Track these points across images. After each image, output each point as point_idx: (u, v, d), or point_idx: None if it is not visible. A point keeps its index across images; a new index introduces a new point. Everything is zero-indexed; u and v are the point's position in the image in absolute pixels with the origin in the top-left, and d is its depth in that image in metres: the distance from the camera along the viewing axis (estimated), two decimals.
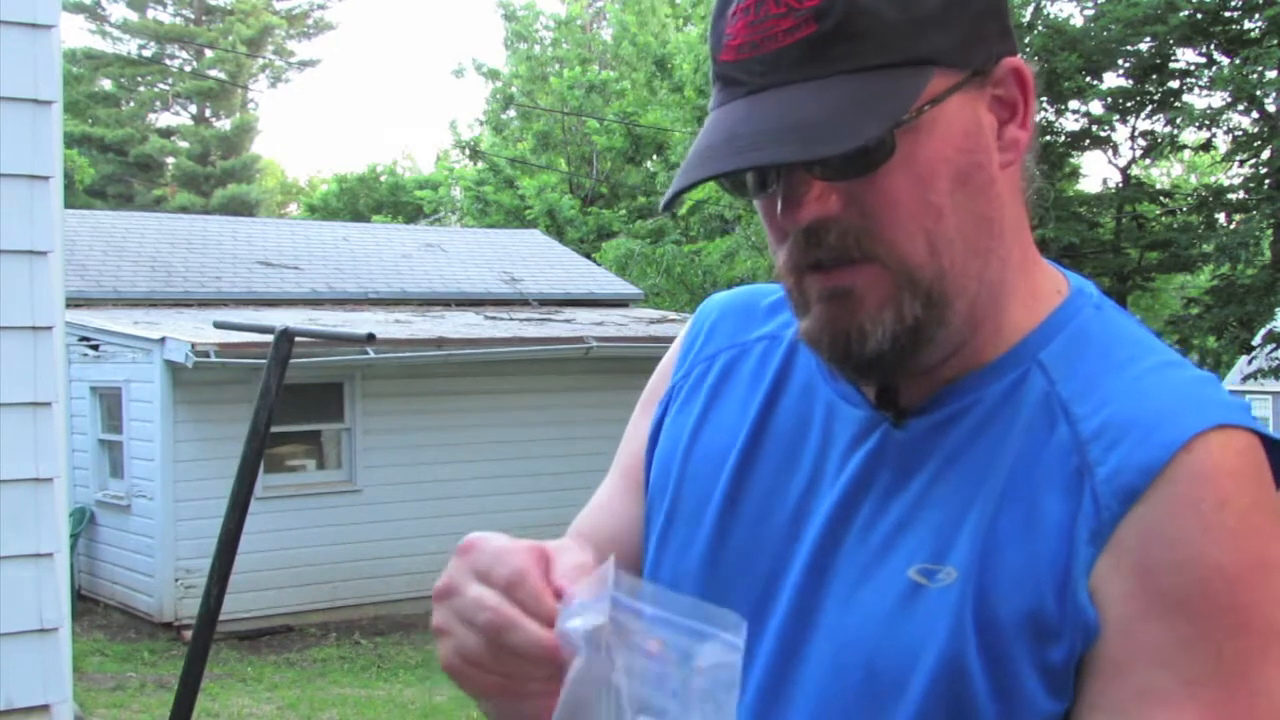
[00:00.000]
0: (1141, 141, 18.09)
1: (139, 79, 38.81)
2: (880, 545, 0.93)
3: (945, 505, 0.91)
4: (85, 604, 10.70)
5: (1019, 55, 0.93)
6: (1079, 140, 17.93)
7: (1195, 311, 16.23)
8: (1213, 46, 15.92)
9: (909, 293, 0.88)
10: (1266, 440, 0.87)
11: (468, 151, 32.23)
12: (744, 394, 1.06)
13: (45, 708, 3.43)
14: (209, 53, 39.01)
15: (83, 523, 10.82)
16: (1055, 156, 17.64)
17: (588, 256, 19.76)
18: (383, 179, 35.02)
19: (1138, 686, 0.82)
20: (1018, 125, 0.92)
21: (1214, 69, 15.93)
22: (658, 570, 1.04)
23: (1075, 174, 19.06)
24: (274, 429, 4.21)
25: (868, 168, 0.86)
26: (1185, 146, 19.83)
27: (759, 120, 0.85)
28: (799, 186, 0.88)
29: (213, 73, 38.61)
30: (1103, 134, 17.83)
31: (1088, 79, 16.63)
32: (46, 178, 3.48)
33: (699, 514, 1.03)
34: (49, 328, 3.47)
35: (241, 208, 35.25)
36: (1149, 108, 17.11)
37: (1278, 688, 0.81)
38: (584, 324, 12.38)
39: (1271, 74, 14.88)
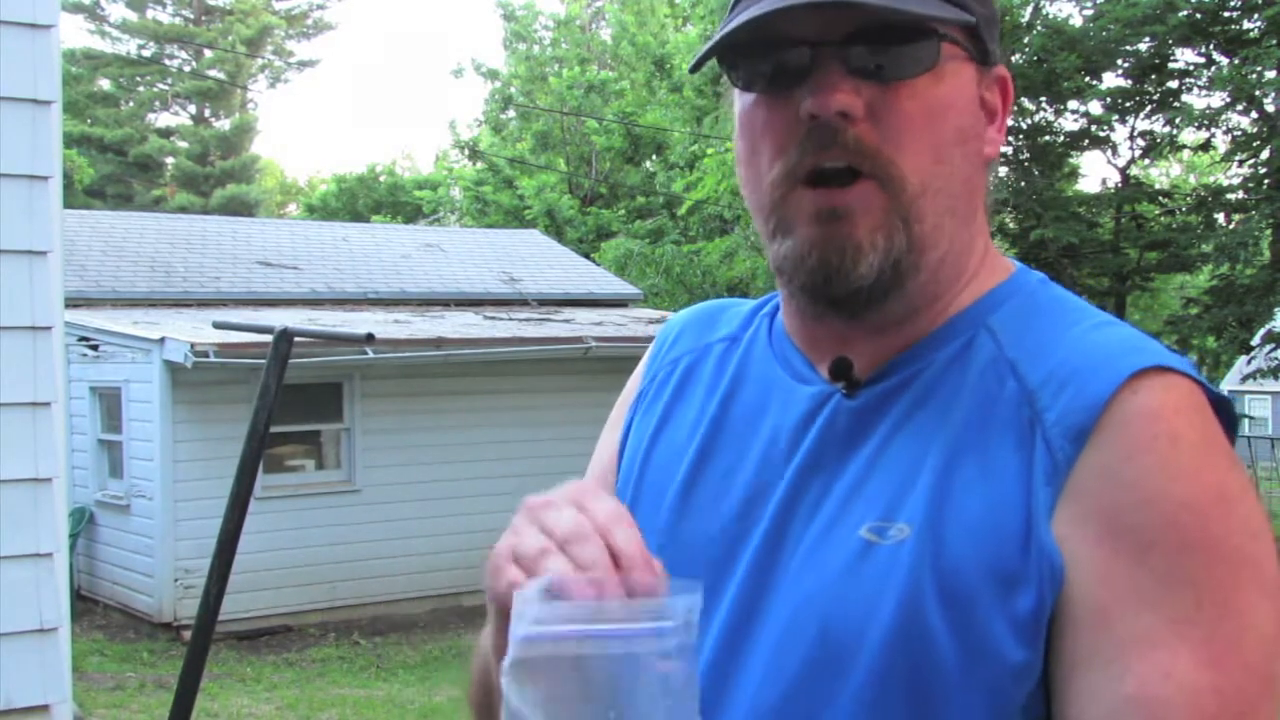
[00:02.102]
0: (1141, 141, 18.07)
1: (138, 79, 38.81)
2: (834, 511, 0.94)
3: (896, 465, 0.93)
4: (85, 604, 10.70)
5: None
6: (1078, 140, 17.92)
7: (1194, 311, 16.23)
8: (1212, 46, 15.91)
9: (901, 222, 0.92)
10: (1205, 388, 0.90)
11: (467, 151, 32.24)
12: (704, 392, 1.09)
13: (45, 708, 3.43)
14: (208, 53, 39.01)
15: (82, 523, 10.82)
16: (1054, 156, 17.64)
17: (587, 256, 19.76)
18: (382, 179, 35.03)
19: (1124, 631, 0.83)
20: (995, 129, 1.00)
21: (1213, 69, 15.92)
22: None
23: (1074, 174, 19.05)
24: (273, 429, 4.21)
25: (913, 68, 0.92)
26: (1184, 146, 19.83)
27: None
28: (834, 76, 0.91)
29: (212, 73, 38.61)
30: (1102, 134, 17.82)
31: (1087, 79, 16.62)
32: (46, 178, 3.48)
33: (656, 504, 1.05)
34: (48, 328, 3.47)
35: (241, 208, 35.25)
36: (1148, 108, 17.10)
37: (1261, 614, 0.83)
38: (583, 324, 12.39)
39: (1271, 74, 14.88)
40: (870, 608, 0.88)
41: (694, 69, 0.98)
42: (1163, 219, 17.83)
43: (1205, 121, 15.84)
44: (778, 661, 0.92)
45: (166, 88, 39.27)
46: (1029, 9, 16.91)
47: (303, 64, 41.69)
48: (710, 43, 0.93)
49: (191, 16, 39.12)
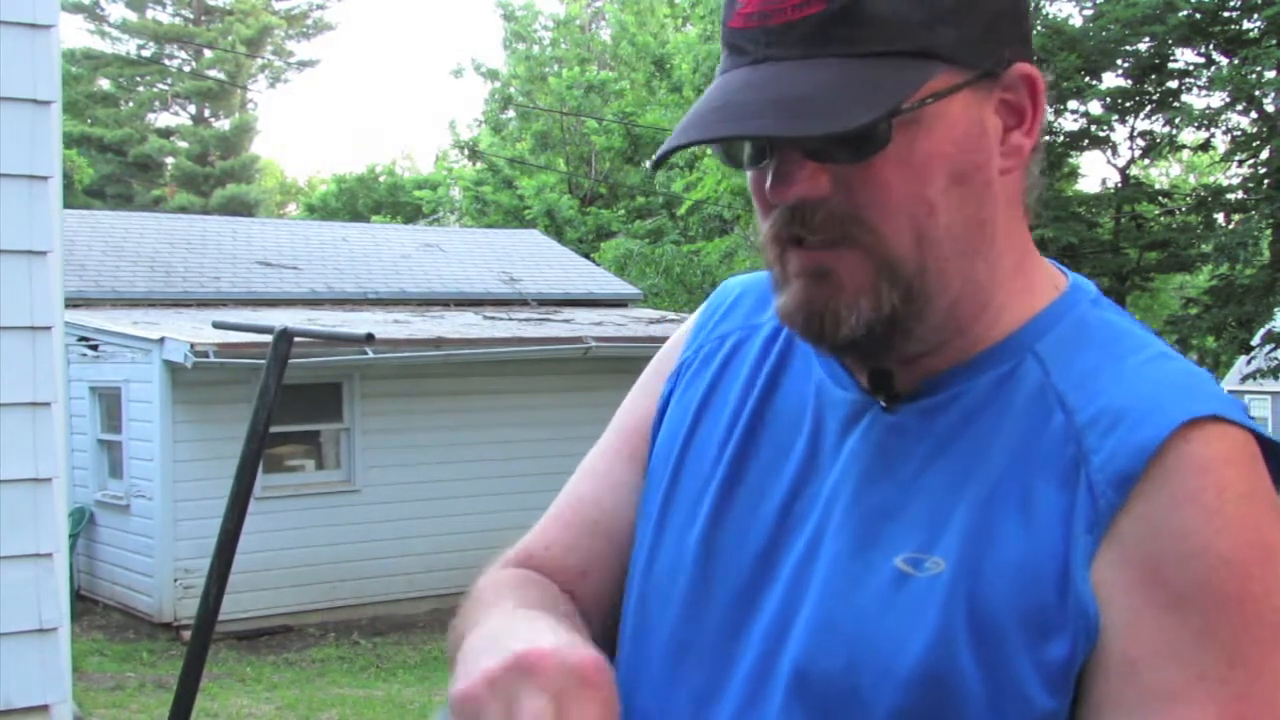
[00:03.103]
0: (1140, 141, 18.08)
1: (138, 79, 38.81)
2: (867, 532, 0.92)
3: (934, 493, 0.90)
4: (84, 604, 10.70)
5: (1033, 62, 0.92)
6: (1078, 140, 17.93)
7: (1194, 311, 16.24)
8: (1211, 46, 15.92)
9: (888, 283, 0.88)
10: (1259, 437, 0.87)
11: (466, 151, 32.25)
12: (747, 376, 1.06)
13: (44, 708, 3.43)
14: (208, 53, 39.01)
15: (82, 523, 10.82)
16: (1054, 156, 17.64)
17: (586, 256, 19.76)
18: (382, 179, 35.03)
19: (1152, 683, 0.81)
20: (1023, 133, 0.92)
21: (1213, 69, 15.93)
22: (656, 553, 1.03)
23: (1074, 174, 19.05)
24: (273, 429, 4.21)
25: (860, 154, 0.86)
26: (1184, 146, 19.85)
27: (754, 90, 0.85)
28: (791, 163, 0.87)
29: (212, 73, 38.61)
30: (1102, 134, 17.82)
31: (1087, 79, 16.62)
32: (45, 178, 3.48)
33: (698, 497, 1.02)
34: (48, 328, 3.47)
35: (241, 208, 35.24)
36: (1148, 108, 17.11)
37: None
38: (583, 324, 12.38)
39: (1270, 74, 14.89)
40: (900, 642, 0.87)
41: (655, 167, 0.95)
42: (1162, 219, 17.83)
43: (1205, 121, 15.86)
44: (804, 685, 0.90)
45: (166, 88, 39.27)
46: (1029, 9, 16.90)
47: (303, 64, 41.70)
48: (665, 147, 0.88)
49: (191, 16, 39.11)
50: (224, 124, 39.67)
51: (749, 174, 0.92)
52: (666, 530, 1.03)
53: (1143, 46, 16.10)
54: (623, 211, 26.71)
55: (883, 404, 0.95)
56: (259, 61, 39.72)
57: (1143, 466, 0.83)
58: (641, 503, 1.07)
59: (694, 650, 0.98)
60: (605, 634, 1.06)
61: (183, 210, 32.32)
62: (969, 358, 0.93)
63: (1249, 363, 16.79)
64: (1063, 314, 0.95)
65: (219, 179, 37.77)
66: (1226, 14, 15.48)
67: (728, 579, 0.97)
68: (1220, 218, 16.59)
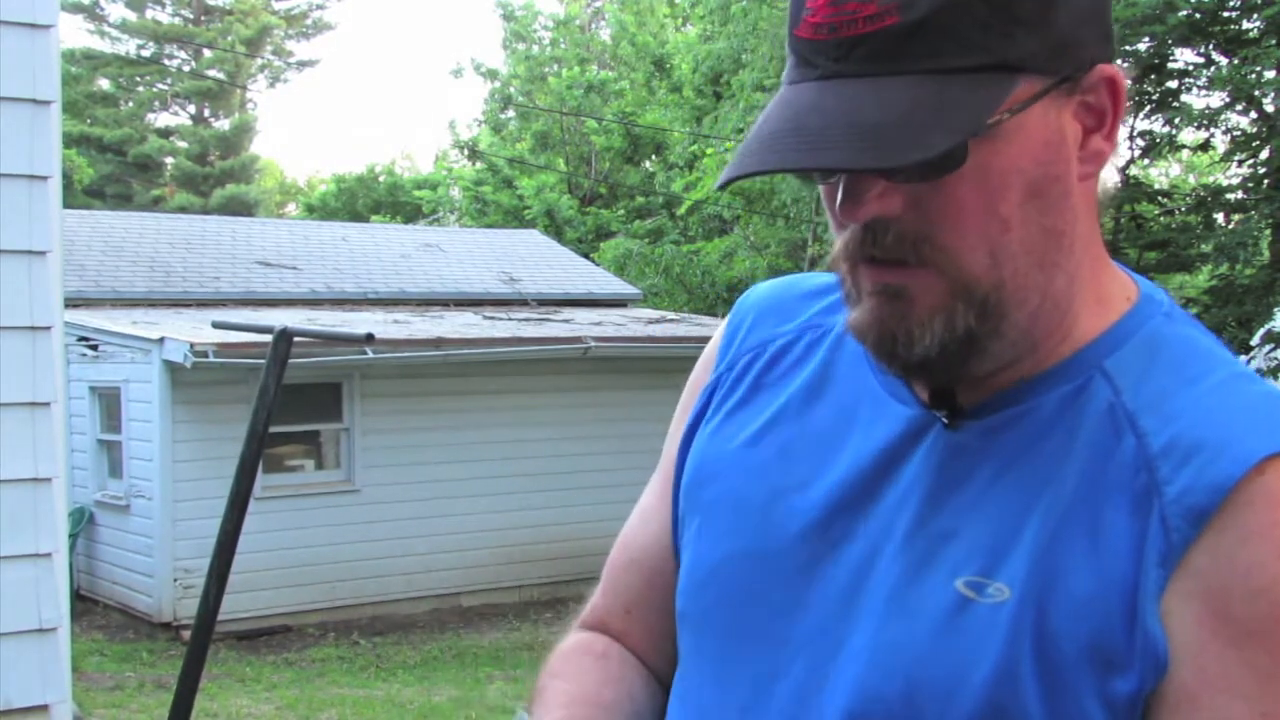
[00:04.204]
0: (1140, 141, 18.10)
1: (137, 79, 38.79)
2: (925, 550, 0.89)
3: (998, 515, 0.87)
4: (84, 604, 10.70)
5: (1115, 61, 0.88)
6: None
7: (1194, 311, 16.24)
8: (1211, 46, 15.93)
9: (963, 302, 0.85)
10: None
11: (466, 151, 32.25)
12: (787, 386, 1.03)
13: (44, 708, 3.43)
14: (208, 53, 39.00)
15: (81, 523, 10.82)
16: None
17: (586, 256, 19.76)
18: (381, 179, 35.02)
19: (1211, 719, 0.80)
20: (1103, 136, 0.88)
21: (1212, 69, 15.94)
22: (696, 565, 1.02)
23: None
24: (273, 429, 4.20)
25: (935, 174, 0.82)
26: (1184, 146, 19.85)
27: (827, 114, 0.81)
28: (862, 181, 0.83)
29: (211, 73, 38.60)
30: None
31: None
32: (45, 178, 3.48)
33: (739, 507, 1.00)
34: (48, 328, 3.47)
35: (240, 208, 35.23)
36: (1148, 108, 17.12)
37: None
38: (582, 324, 12.38)
39: (1270, 74, 14.90)
40: (963, 671, 0.84)
41: (721, 188, 0.88)
42: (1162, 219, 17.84)
43: (1205, 121, 15.87)
44: (861, 703, 0.88)
45: (166, 88, 39.26)
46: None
47: (303, 64, 41.68)
48: (735, 171, 0.84)
49: (191, 16, 39.10)
50: (224, 124, 39.66)
51: (821, 188, 0.90)
52: (704, 542, 1.02)
53: (1142, 46, 16.11)
54: (622, 211, 26.71)
55: (944, 420, 0.92)
56: (259, 61, 39.72)
57: (1218, 504, 0.81)
58: (679, 523, 1.07)
59: (735, 662, 0.96)
60: (667, 660, 1.07)
61: (182, 210, 32.32)
62: (1037, 373, 0.90)
63: (1249, 363, 16.80)
64: (1135, 329, 0.91)
65: (219, 179, 37.76)
66: (1226, 14, 15.49)
67: (772, 589, 0.96)
68: (1220, 218, 16.61)
